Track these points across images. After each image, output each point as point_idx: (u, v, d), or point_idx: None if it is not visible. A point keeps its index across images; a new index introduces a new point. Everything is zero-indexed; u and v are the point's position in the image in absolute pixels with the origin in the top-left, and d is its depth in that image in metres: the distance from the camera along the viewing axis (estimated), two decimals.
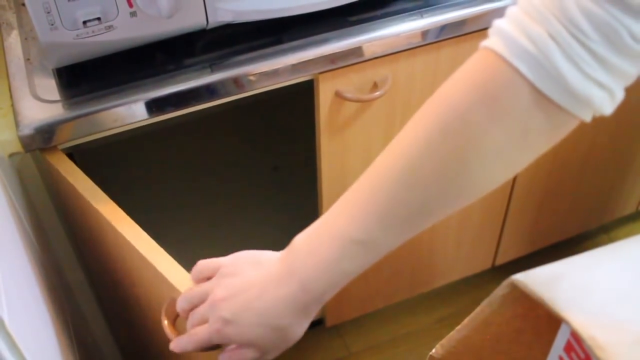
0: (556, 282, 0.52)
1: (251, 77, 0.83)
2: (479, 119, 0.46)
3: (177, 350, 0.60)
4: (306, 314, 0.54)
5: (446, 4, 0.91)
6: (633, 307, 0.50)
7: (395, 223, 0.50)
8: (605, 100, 0.46)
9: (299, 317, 0.54)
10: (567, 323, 0.49)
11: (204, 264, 0.61)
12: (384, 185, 0.49)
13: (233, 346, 0.57)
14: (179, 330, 0.62)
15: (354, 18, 0.89)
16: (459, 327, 0.59)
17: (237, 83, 0.83)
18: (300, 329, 0.55)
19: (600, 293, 0.51)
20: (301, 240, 0.54)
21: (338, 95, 0.91)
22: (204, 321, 0.57)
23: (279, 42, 0.86)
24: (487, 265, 1.41)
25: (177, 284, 0.64)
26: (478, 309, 0.56)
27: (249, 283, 0.55)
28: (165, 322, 0.63)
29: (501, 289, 0.54)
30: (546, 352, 0.53)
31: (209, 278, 0.60)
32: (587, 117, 0.47)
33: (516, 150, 0.48)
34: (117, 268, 0.82)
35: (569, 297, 0.50)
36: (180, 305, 0.60)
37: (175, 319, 0.64)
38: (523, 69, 0.45)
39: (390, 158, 0.50)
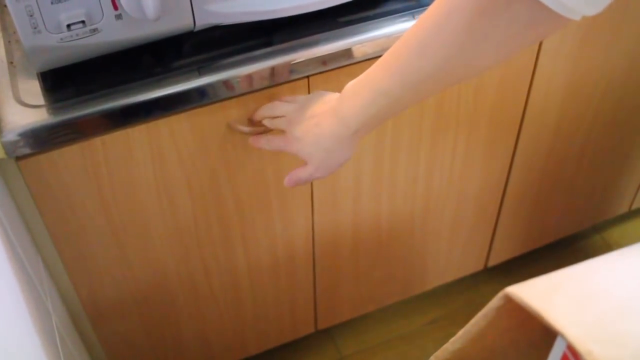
0: (552, 294, 0.50)
1: (240, 80, 0.82)
2: (472, 9, 0.56)
3: (254, 144, 0.85)
4: (348, 145, 0.73)
5: None
6: (632, 320, 0.48)
7: (410, 82, 0.65)
8: None
9: (342, 145, 0.73)
10: (563, 336, 0.48)
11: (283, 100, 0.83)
12: (404, 54, 0.64)
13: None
14: None
15: (344, 19, 0.88)
16: (453, 338, 0.58)
17: (226, 86, 0.82)
18: (342, 155, 0.74)
19: (598, 305, 0.50)
20: (349, 87, 0.71)
21: None
22: (280, 131, 0.80)
23: (269, 44, 0.85)
24: (480, 266, 1.40)
25: None
26: (473, 321, 0.55)
27: (314, 113, 0.75)
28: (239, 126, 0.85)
29: (496, 301, 0.53)
30: None
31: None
32: (554, 6, 0.52)
33: (504, 38, 0.57)
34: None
35: (565, 309, 0.49)
36: (263, 112, 0.84)
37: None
38: None
39: (411, 32, 0.63)
